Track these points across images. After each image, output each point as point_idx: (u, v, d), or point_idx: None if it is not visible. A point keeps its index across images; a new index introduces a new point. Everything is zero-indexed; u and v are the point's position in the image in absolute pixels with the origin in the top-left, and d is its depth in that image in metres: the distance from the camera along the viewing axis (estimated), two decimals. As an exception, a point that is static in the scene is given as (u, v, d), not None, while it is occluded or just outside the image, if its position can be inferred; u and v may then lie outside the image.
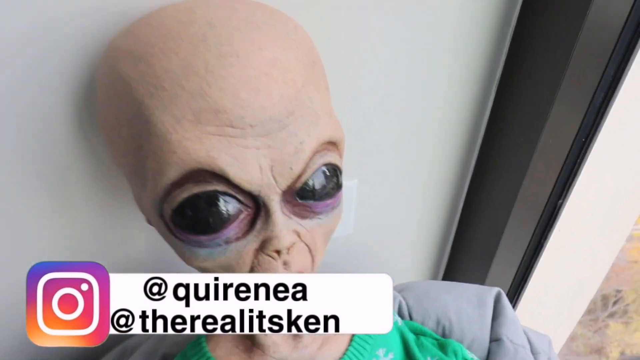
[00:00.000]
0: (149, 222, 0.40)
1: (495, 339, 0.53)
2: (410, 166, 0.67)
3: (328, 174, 0.36)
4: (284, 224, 0.34)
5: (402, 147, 0.65)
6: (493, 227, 0.66)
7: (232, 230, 0.33)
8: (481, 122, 0.66)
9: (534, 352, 0.53)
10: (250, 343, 0.44)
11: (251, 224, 0.34)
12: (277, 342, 0.43)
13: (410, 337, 0.50)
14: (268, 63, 0.32)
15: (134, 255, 0.57)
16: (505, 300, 0.55)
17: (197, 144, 0.30)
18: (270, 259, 0.34)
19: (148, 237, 0.56)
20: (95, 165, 0.48)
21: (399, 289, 0.59)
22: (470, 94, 0.63)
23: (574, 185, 0.62)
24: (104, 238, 0.54)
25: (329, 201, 0.36)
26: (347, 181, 0.64)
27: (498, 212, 0.65)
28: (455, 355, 0.49)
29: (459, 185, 0.73)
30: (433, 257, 0.82)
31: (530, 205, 0.64)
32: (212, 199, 0.32)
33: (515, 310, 0.61)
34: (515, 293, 0.80)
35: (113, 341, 0.59)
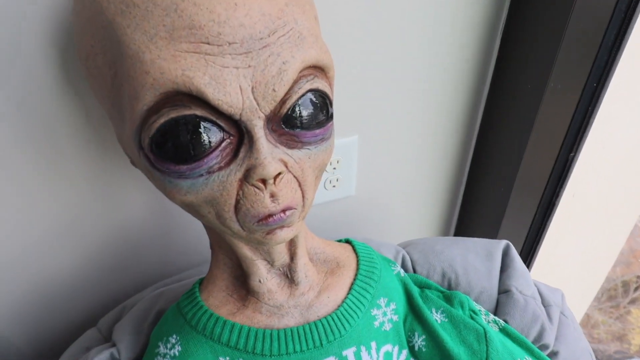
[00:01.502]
0: (133, 163, 0.39)
1: (504, 291, 0.50)
2: (414, 122, 0.65)
3: (316, 101, 0.34)
4: (269, 151, 0.32)
5: (404, 102, 0.62)
6: (503, 182, 0.64)
7: (214, 159, 0.32)
8: (487, 75, 0.63)
9: (545, 304, 0.50)
10: (245, 291, 0.42)
11: (235, 153, 0.32)
12: (272, 289, 0.42)
13: (414, 290, 0.48)
14: None
15: (131, 217, 0.56)
16: (514, 252, 0.53)
17: (171, 63, 0.28)
18: (255, 189, 0.32)
19: (146, 198, 0.55)
20: (84, 118, 0.47)
21: (403, 245, 0.57)
22: (473, 47, 0.61)
23: (586, 137, 0.59)
24: (99, 199, 0.53)
25: (317, 131, 0.34)
26: (347, 137, 0.62)
27: (507, 167, 0.62)
28: (462, 306, 0.47)
29: (466, 140, 0.70)
30: (441, 217, 0.80)
31: (541, 157, 0.61)
32: (191, 124, 0.30)
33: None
34: (527, 256, 0.77)
35: (113, 302, 0.59)
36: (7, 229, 0.50)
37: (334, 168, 0.64)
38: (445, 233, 0.84)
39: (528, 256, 0.78)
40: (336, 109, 0.58)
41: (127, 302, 0.54)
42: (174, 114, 0.30)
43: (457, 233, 0.83)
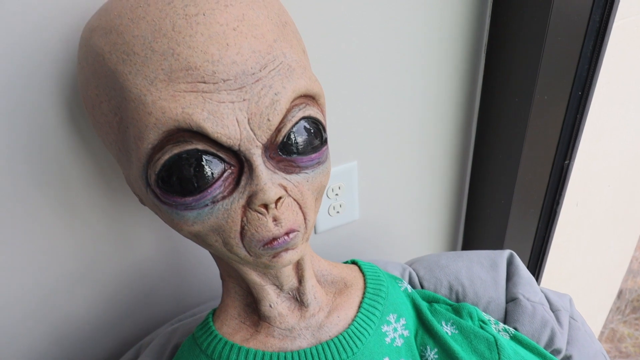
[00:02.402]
0: (142, 201, 0.41)
1: (511, 299, 0.51)
2: (410, 144, 0.67)
3: (309, 127, 0.36)
4: (269, 177, 0.34)
5: (399, 125, 0.65)
6: (503, 194, 0.65)
7: (217, 189, 0.33)
8: (475, 92, 0.66)
9: (553, 309, 0.51)
10: (257, 317, 0.43)
11: (236, 182, 0.34)
12: (282, 313, 0.42)
13: (423, 304, 0.49)
14: (235, 19, 0.32)
15: (143, 258, 0.58)
16: (518, 261, 0.54)
17: (171, 103, 0.31)
18: (258, 215, 0.34)
19: (156, 237, 0.57)
20: (95, 165, 0.49)
21: (409, 263, 0.58)
22: (460, 62, 0.64)
23: (578, 145, 0.61)
24: (112, 242, 0.55)
25: (313, 155, 0.36)
26: (347, 163, 0.64)
27: (505, 179, 0.64)
28: (471, 317, 0.48)
29: (462, 156, 0.72)
30: (446, 234, 0.80)
31: (536, 167, 0.62)
32: (193, 158, 0.32)
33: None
34: (535, 268, 0.78)
35: (131, 342, 0.60)
36: (29, 277, 0.51)
37: (336, 194, 0.65)
38: (451, 249, 0.85)
39: (536, 267, 0.78)
40: (334, 137, 0.60)
41: (143, 340, 0.55)
42: (177, 149, 0.32)
43: (463, 248, 0.83)
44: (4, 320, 0.53)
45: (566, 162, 0.63)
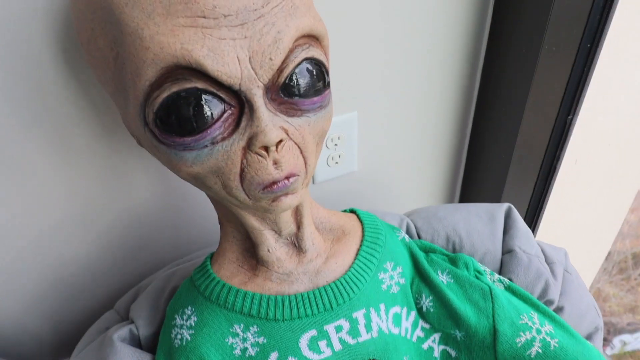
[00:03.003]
0: (139, 142, 0.40)
1: (507, 251, 0.52)
2: (412, 94, 0.66)
3: (312, 69, 0.35)
4: (270, 119, 0.33)
5: (401, 75, 0.63)
6: (503, 147, 0.64)
7: (216, 130, 0.33)
8: (481, 42, 0.64)
9: (548, 262, 0.52)
10: (255, 261, 0.44)
11: (237, 123, 0.33)
12: (280, 258, 0.43)
13: (420, 253, 0.49)
14: None
15: (140, 202, 0.58)
16: (516, 214, 0.54)
17: (170, 37, 0.29)
18: (259, 157, 0.34)
19: (153, 182, 0.57)
20: (90, 105, 0.48)
21: (407, 214, 0.58)
22: (467, 12, 0.61)
23: (583, 100, 0.60)
24: (108, 185, 0.54)
25: (315, 99, 0.35)
26: (347, 114, 0.63)
27: (507, 132, 0.63)
28: (467, 267, 0.48)
29: (464, 108, 0.71)
30: (445, 187, 0.81)
31: (539, 121, 0.61)
32: (193, 97, 0.31)
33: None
34: (531, 223, 0.78)
35: (129, 286, 0.61)
36: (23, 219, 0.51)
37: (335, 145, 0.65)
38: (449, 202, 0.85)
39: (532, 223, 0.79)
40: (334, 86, 0.59)
41: (141, 283, 0.56)
42: (175, 87, 0.31)
43: (461, 201, 0.83)
44: (6, 258, 0.53)
45: (569, 117, 0.62)
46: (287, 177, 0.35)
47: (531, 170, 0.68)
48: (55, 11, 0.42)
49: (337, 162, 0.67)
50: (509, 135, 0.64)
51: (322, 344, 0.42)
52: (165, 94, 0.31)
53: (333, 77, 0.58)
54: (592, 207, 1.09)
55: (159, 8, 0.29)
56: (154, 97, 0.31)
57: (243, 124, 0.33)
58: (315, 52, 0.35)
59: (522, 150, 0.64)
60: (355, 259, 0.45)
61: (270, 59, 0.31)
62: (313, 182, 0.68)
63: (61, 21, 0.43)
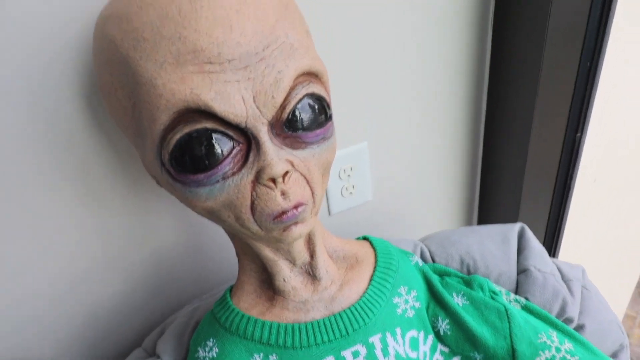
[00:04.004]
0: (158, 182, 0.43)
1: (522, 271, 0.52)
2: (421, 121, 0.68)
3: (313, 103, 0.37)
4: (275, 153, 0.35)
5: (408, 103, 0.65)
6: (516, 169, 0.65)
7: (227, 166, 0.35)
8: (484, 67, 0.66)
9: (565, 279, 0.52)
10: (272, 292, 0.45)
11: (245, 159, 0.36)
12: (296, 287, 0.44)
13: (434, 277, 0.50)
14: (238, 2, 0.34)
15: (164, 243, 0.60)
16: (529, 233, 0.54)
17: (180, 85, 0.32)
18: (267, 189, 0.36)
19: (175, 223, 0.59)
20: (114, 155, 0.52)
21: (422, 239, 0.59)
22: (470, 44, 0.64)
23: (589, 117, 0.61)
24: (135, 229, 0.57)
25: (318, 131, 0.38)
26: (357, 144, 0.65)
27: (517, 153, 0.64)
28: (482, 289, 0.49)
29: (474, 131, 0.72)
30: (461, 212, 0.81)
31: (547, 140, 0.62)
32: (203, 137, 0.34)
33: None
34: (551, 247, 0.78)
35: (156, 323, 0.63)
36: (55, 267, 0.55)
37: (348, 175, 0.67)
38: (468, 222, 0.85)
39: (552, 244, 0.78)
40: (343, 118, 0.61)
41: (167, 320, 0.58)
42: (187, 129, 0.34)
43: (479, 224, 0.83)
44: (41, 306, 0.56)
45: (578, 134, 0.62)
46: (296, 207, 0.37)
47: (546, 191, 0.68)
48: (79, 64, 0.46)
49: (351, 193, 0.69)
50: (520, 157, 0.64)
51: None
52: (178, 135, 0.34)
53: (341, 109, 0.61)
54: (616, 226, 1.07)
55: (169, 59, 0.33)
56: (168, 139, 0.34)
57: (251, 159, 0.35)
58: (315, 88, 0.37)
59: (534, 170, 0.64)
60: (369, 285, 0.46)
61: (273, 97, 0.34)
62: (329, 214, 0.70)
63: (85, 74, 0.46)
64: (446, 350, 0.47)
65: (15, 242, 0.51)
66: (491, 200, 0.75)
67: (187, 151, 0.34)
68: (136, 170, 0.53)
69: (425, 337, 0.47)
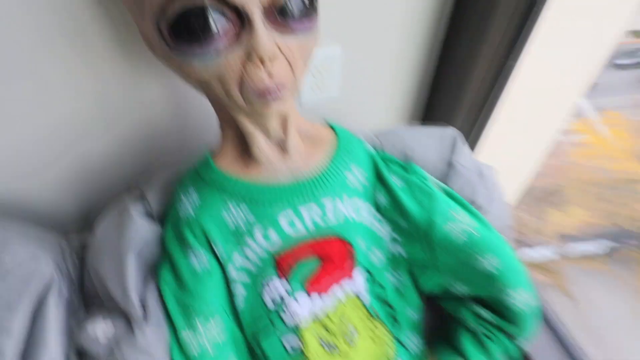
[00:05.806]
0: (153, 52, 0.47)
1: (450, 165, 0.63)
2: (389, 30, 0.74)
3: None
4: (266, 34, 0.40)
5: (379, 13, 0.71)
6: (461, 81, 0.75)
7: (221, 42, 0.40)
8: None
9: (480, 175, 0.64)
10: (248, 158, 0.53)
11: (238, 37, 0.41)
12: (268, 156, 0.52)
13: (380, 162, 0.59)
14: None
15: (152, 108, 0.66)
16: (460, 137, 0.66)
17: None
18: (256, 69, 0.42)
19: (163, 89, 0.65)
20: (111, 24, 0.55)
21: (374, 132, 0.68)
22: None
23: (524, 48, 0.69)
24: (126, 92, 0.63)
25: (306, 21, 0.43)
26: (330, 47, 0.71)
27: (465, 68, 0.73)
28: (416, 174, 0.59)
29: (431, 46, 0.79)
30: (409, 112, 0.90)
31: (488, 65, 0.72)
32: (202, 13, 0.38)
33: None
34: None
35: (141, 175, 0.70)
36: (56, 113, 0.60)
37: (320, 72, 0.73)
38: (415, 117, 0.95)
39: (472, 148, 0.89)
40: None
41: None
42: (187, 2, 0.38)
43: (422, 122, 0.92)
44: (36, 152, 0.62)
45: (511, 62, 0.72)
46: (278, 87, 0.44)
47: (477, 105, 0.79)
48: None
49: (319, 88, 0.75)
50: (467, 73, 0.74)
51: (298, 223, 0.53)
52: (177, 9, 0.38)
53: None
54: (522, 146, 1.16)
55: None
56: (168, 11, 0.39)
57: (243, 37, 0.40)
58: None
59: (474, 89, 0.74)
60: (329, 161, 0.55)
61: None
62: (300, 105, 0.77)
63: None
64: (381, 217, 0.59)
65: (20, 89, 0.56)
66: (436, 104, 0.85)
67: (185, 24, 0.39)
68: (131, 41, 0.58)
69: (367, 207, 0.58)
